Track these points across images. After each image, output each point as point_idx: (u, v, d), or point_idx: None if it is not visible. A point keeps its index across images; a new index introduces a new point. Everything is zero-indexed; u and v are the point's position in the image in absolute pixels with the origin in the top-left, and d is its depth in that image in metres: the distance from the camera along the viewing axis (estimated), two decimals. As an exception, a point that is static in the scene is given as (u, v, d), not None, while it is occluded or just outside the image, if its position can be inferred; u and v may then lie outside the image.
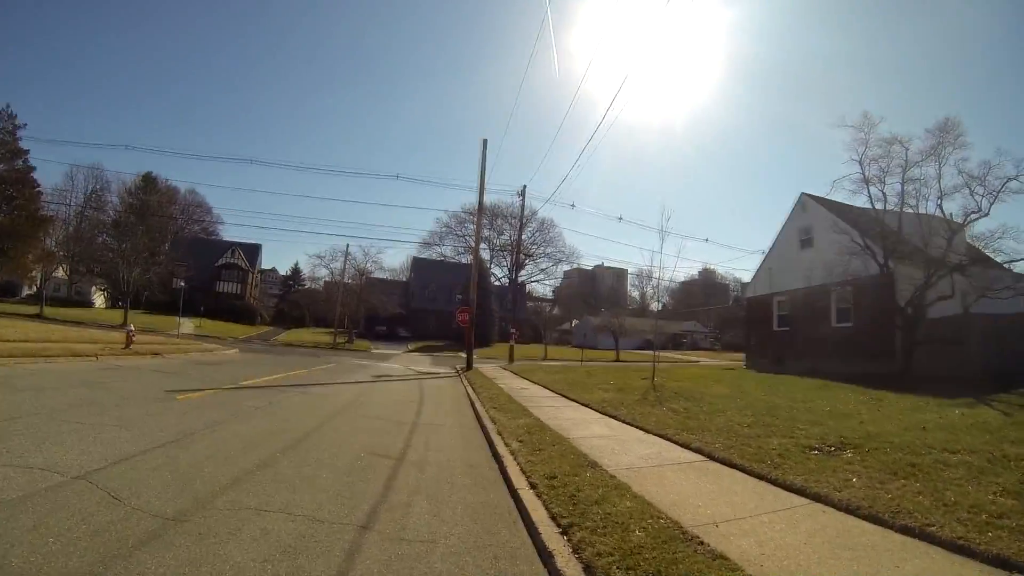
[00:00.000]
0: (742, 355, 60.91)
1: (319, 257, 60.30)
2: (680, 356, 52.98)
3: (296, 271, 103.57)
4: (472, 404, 12.55)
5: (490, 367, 26.92)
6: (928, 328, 21.24)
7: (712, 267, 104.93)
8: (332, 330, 52.31)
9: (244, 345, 39.11)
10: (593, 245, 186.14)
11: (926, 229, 21.75)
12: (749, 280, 34.10)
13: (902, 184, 21.41)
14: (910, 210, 22.08)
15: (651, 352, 61.15)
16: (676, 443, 8.09)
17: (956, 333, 20.53)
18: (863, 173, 22.36)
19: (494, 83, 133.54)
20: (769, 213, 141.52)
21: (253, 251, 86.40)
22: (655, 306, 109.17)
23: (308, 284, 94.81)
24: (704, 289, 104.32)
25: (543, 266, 78.54)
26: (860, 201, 23.38)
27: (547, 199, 44.91)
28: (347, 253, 54.32)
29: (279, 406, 10.25)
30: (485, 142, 26.93)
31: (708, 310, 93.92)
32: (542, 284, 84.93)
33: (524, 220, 40.59)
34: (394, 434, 8.32)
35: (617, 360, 46.86)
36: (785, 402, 13.43)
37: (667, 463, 6.92)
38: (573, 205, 60.14)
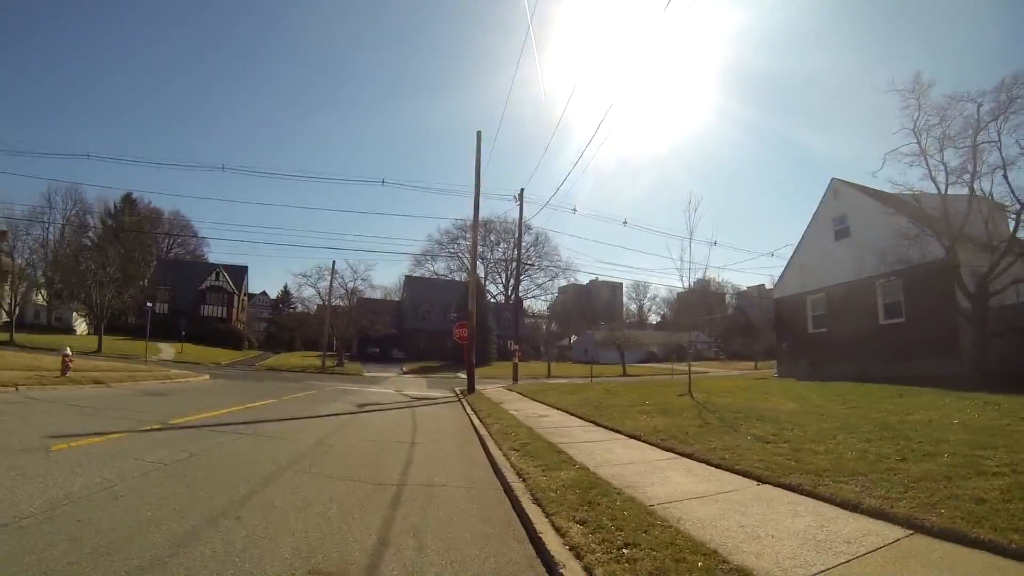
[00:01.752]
0: (751, 363, 58.44)
1: (304, 276, 56.57)
2: (686, 367, 49.71)
3: (286, 293, 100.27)
4: (482, 443, 9.23)
5: (494, 388, 23.62)
6: (1000, 318, 18.31)
7: (713, 275, 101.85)
8: (321, 353, 48.83)
9: (223, 371, 35.83)
10: (592, 253, 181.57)
11: (987, 206, 18.96)
12: (775, 281, 30.93)
13: (973, 149, 18.32)
14: (966, 186, 19.09)
15: (660, 364, 58.88)
16: (830, 502, 4.88)
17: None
18: (919, 143, 19.34)
19: (487, 92, 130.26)
20: (776, 212, 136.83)
21: (239, 273, 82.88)
22: (654, 318, 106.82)
23: (298, 307, 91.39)
24: (702, 298, 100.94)
25: (540, 281, 75.14)
26: (915, 175, 20.34)
27: (545, 203, 41.69)
28: (333, 270, 50.67)
29: (201, 459, 6.91)
30: (480, 135, 23.83)
31: (712, 319, 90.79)
32: (538, 300, 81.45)
33: (523, 227, 36.90)
34: (364, 514, 4.87)
35: (625, 375, 43.73)
36: (887, 417, 10.31)
37: (861, 550, 3.74)
38: (575, 210, 56.93)
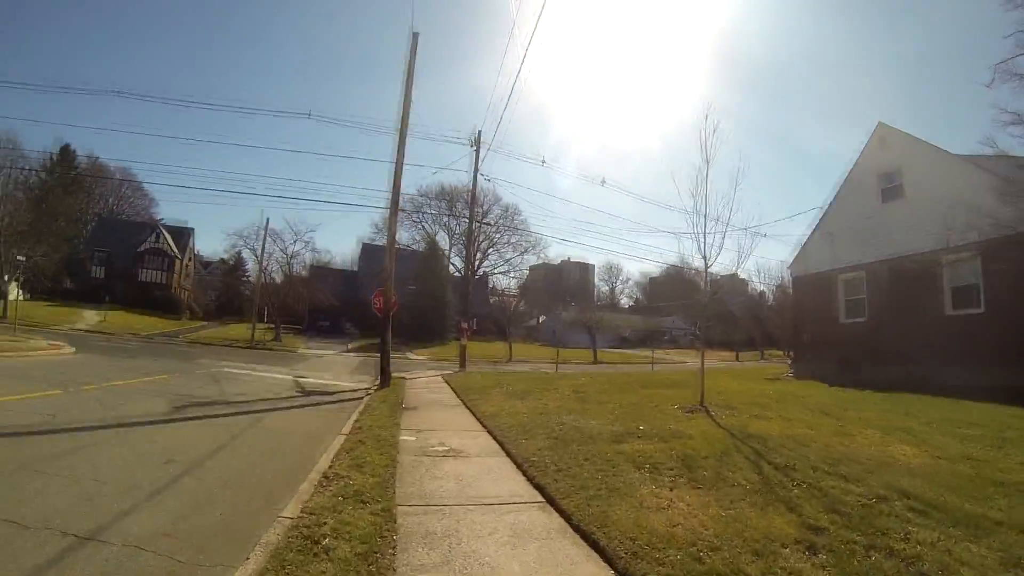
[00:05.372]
0: (732, 354, 52.45)
1: (240, 236, 49.33)
2: (664, 355, 44.27)
3: (240, 258, 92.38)
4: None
5: (426, 379, 17.87)
6: None
7: (683, 263, 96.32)
8: (264, 325, 42.25)
9: (121, 343, 29.50)
10: (567, 219, 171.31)
11: None
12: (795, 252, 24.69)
13: None
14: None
15: (633, 351, 52.38)
16: None
17: None
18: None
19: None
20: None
21: (183, 235, 75.61)
22: (625, 302, 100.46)
23: (252, 275, 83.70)
24: (674, 284, 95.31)
25: (508, 256, 67.96)
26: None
27: (488, 142, 34.36)
28: (266, 228, 43.46)
29: None
30: (416, 36, 17.42)
31: (689, 303, 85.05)
32: (507, 276, 74.12)
33: (478, 175, 27.90)
34: None
35: (596, 362, 38.11)
36: None
37: None
38: (543, 161, 48.73)
